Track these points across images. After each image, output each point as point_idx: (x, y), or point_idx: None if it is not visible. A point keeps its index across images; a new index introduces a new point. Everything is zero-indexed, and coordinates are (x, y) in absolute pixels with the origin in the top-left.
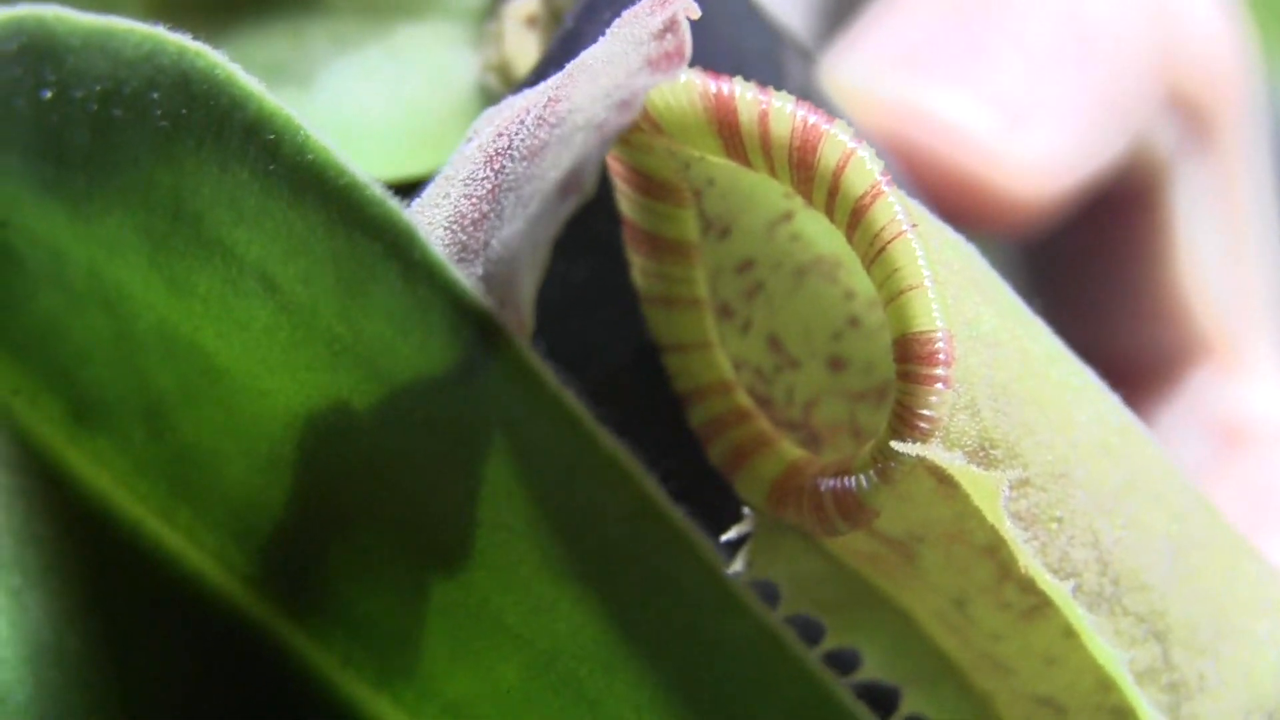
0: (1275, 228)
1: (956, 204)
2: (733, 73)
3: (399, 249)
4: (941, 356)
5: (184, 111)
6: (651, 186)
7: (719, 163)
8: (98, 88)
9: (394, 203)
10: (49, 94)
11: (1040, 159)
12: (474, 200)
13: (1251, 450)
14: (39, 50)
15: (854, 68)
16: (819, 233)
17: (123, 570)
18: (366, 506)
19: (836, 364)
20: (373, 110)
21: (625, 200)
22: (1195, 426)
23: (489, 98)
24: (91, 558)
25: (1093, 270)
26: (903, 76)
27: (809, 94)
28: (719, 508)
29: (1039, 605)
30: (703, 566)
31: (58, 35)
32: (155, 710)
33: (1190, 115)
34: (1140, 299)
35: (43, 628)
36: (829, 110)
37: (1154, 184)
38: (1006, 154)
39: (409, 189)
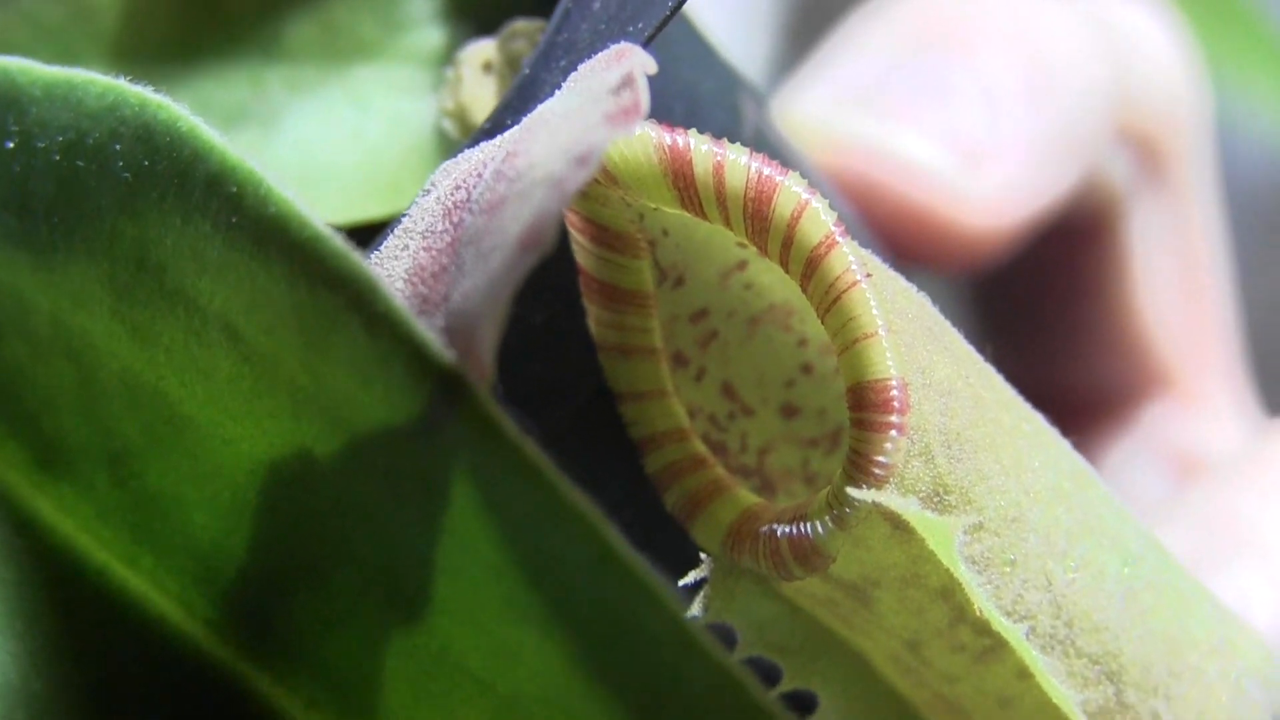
0: (1227, 260)
1: (914, 241)
2: (689, 115)
3: (361, 301)
4: (896, 404)
5: (147, 163)
6: (607, 237)
7: (673, 213)
8: (61, 138)
9: (356, 256)
10: (12, 144)
11: (996, 195)
12: (433, 253)
13: (1207, 484)
14: (1, 101)
15: (810, 104)
16: (772, 281)
17: (88, 614)
18: (329, 553)
19: (789, 411)
20: (332, 153)
21: (581, 251)
22: (1151, 460)
23: (446, 142)
24: (57, 602)
25: (1048, 303)
26: (860, 114)
27: (764, 134)
28: (677, 551)
29: (993, 647)
30: (663, 612)
31: (20, 86)
32: None
33: (1144, 150)
34: (1096, 332)
35: (8, 670)
36: (784, 150)
37: (1109, 217)
38: (963, 190)
39: (368, 231)
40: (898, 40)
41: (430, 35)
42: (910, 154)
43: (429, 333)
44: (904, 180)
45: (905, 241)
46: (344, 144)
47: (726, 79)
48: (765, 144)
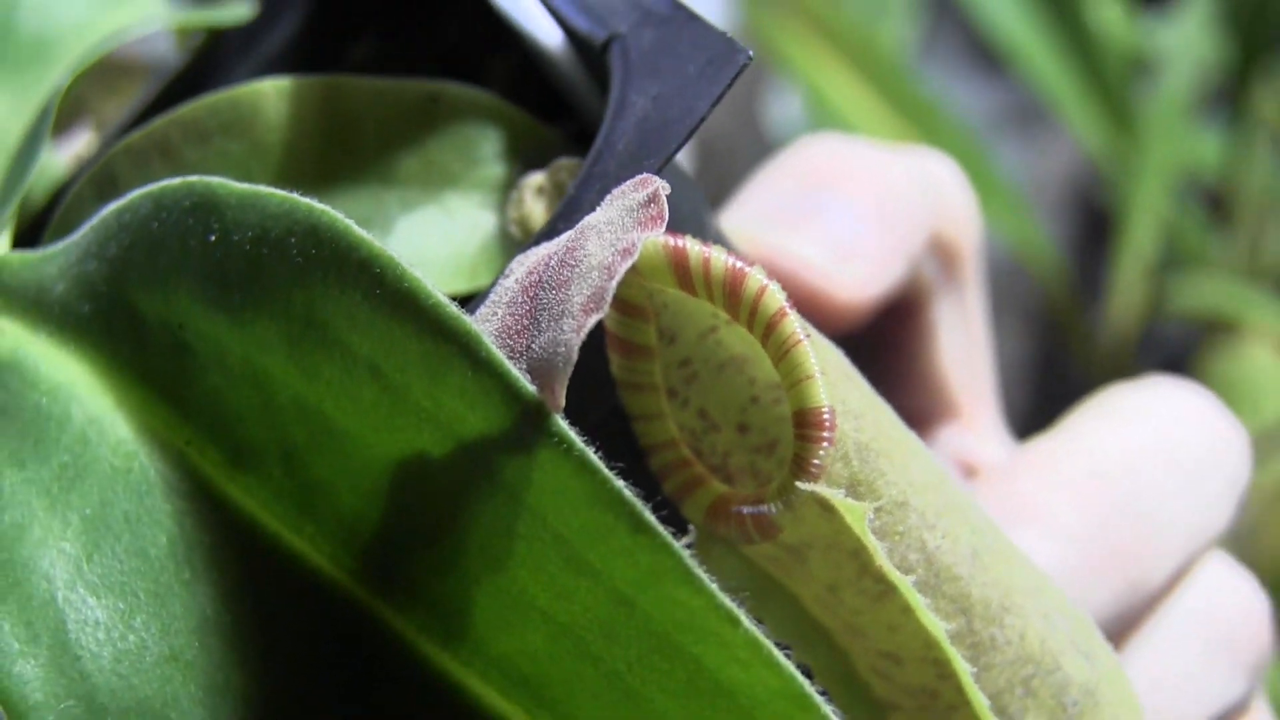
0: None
1: (805, 311)
2: (674, 224)
3: (469, 350)
4: (827, 424)
5: (314, 251)
6: (626, 308)
7: (672, 292)
8: (250, 233)
9: (466, 318)
10: (214, 237)
11: (859, 282)
12: (516, 317)
13: (990, 479)
14: (205, 206)
15: (736, 221)
16: (734, 340)
17: (264, 568)
18: (439, 524)
19: (743, 428)
20: (429, 249)
21: (608, 318)
22: (947, 466)
23: (510, 241)
24: (241, 559)
25: (881, 357)
26: (770, 227)
27: (720, 238)
28: (674, 522)
29: (886, 591)
30: (680, 563)
31: (220, 195)
32: (285, 662)
33: (945, 256)
34: (910, 377)
35: (205, 608)
36: (729, 248)
37: (921, 300)
38: (838, 278)
39: (456, 302)
40: (791, 182)
41: (497, 169)
42: (803, 254)
43: (518, 372)
44: (799, 271)
45: (800, 311)
46: (437, 243)
47: (696, 199)
48: (721, 244)
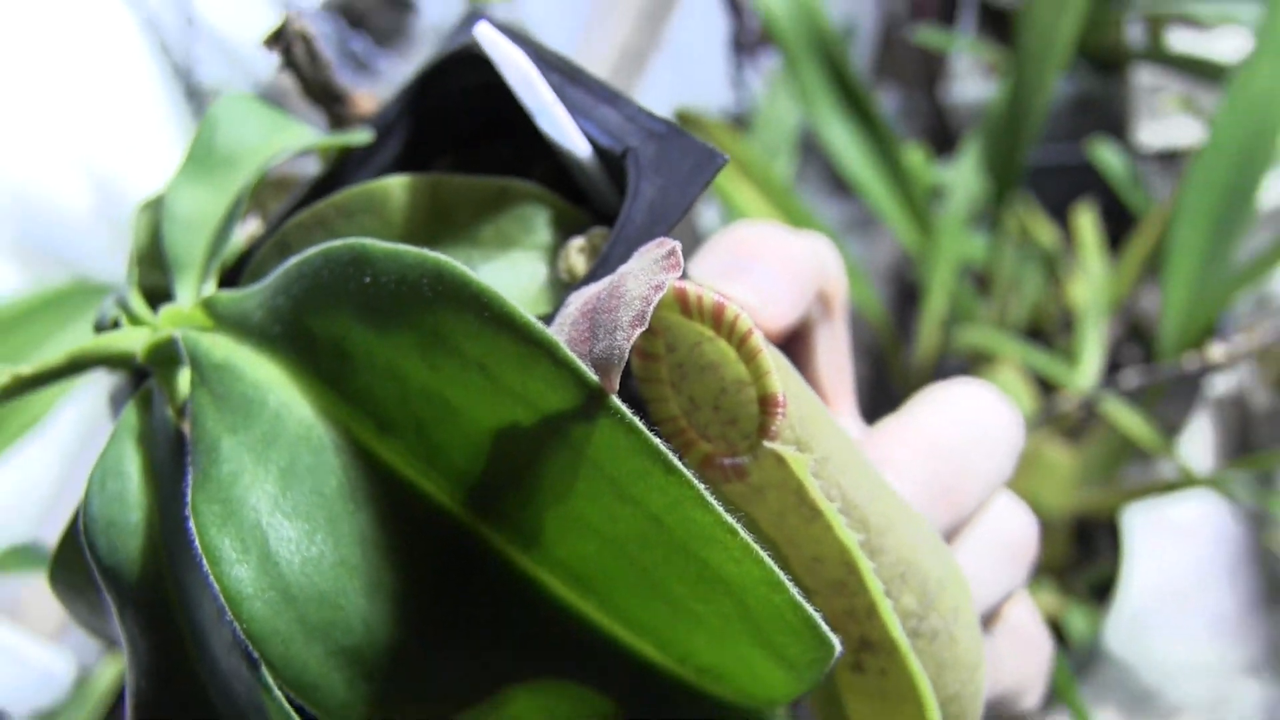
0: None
1: None
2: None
3: (550, 352)
4: (781, 402)
5: (439, 288)
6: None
7: (674, 317)
8: (393, 276)
9: (549, 331)
10: (368, 279)
11: (777, 317)
12: (579, 332)
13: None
14: (361, 259)
15: (695, 275)
16: (712, 351)
17: (402, 502)
18: (524, 471)
19: (716, 409)
20: (501, 289)
21: None
22: None
23: (559, 285)
24: (387, 496)
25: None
26: (717, 279)
27: (694, 282)
28: None
29: (816, 515)
30: (698, 493)
31: (371, 252)
32: (417, 564)
33: (825, 302)
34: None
35: (363, 530)
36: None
37: (809, 330)
38: (764, 314)
39: None
40: (725, 253)
41: (546, 236)
42: (739, 297)
43: (585, 367)
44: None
45: None
46: (507, 285)
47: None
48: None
